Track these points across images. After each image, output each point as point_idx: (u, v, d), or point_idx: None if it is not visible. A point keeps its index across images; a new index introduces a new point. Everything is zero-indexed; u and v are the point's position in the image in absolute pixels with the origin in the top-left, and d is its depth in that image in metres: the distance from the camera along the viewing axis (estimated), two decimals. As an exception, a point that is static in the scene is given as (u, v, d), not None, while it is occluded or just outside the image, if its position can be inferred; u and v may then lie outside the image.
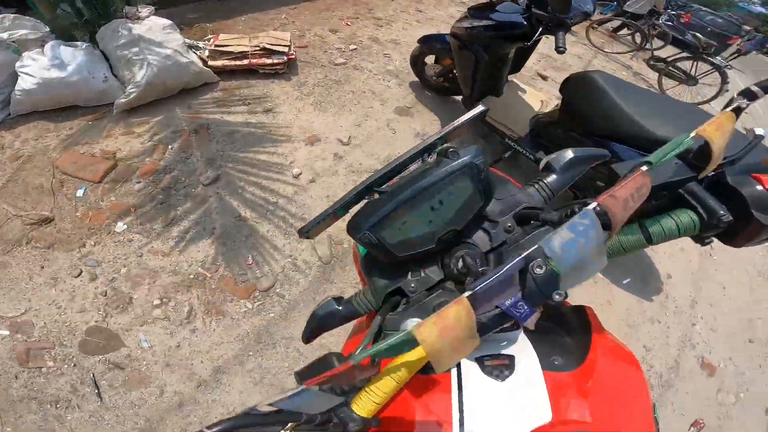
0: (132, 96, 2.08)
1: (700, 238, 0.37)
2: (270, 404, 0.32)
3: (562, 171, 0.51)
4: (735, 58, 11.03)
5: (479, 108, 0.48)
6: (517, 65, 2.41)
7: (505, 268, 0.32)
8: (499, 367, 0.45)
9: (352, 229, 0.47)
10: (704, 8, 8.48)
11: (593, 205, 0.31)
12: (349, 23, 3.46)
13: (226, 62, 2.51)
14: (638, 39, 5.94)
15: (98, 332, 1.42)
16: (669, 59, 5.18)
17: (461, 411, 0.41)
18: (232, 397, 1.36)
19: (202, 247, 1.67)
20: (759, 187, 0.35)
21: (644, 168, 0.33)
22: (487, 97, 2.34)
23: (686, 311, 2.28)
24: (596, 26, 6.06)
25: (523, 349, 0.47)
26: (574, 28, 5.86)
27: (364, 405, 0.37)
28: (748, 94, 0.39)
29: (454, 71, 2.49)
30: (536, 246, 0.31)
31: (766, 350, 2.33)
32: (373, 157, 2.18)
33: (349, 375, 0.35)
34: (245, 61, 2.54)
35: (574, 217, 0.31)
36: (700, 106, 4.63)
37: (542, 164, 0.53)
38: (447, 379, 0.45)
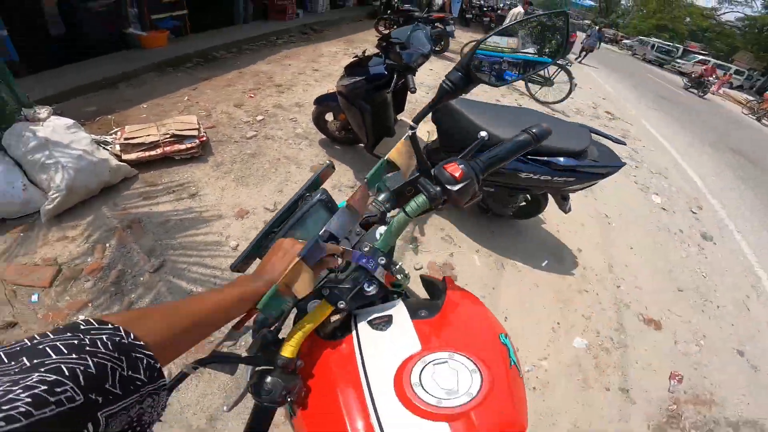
0: (56, 202, 2.14)
1: (436, 208, 0.65)
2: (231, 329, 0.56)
3: (389, 191, 0.75)
4: (586, 56, 13.27)
5: (324, 165, 0.74)
6: (400, 106, 2.89)
7: (311, 239, 0.58)
8: (381, 322, 0.63)
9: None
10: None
11: (345, 204, 0.66)
12: (252, 95, 3.81)
13: (140, 154, 2.65)
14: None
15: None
16: (526, 67, 6.35)
17: (362, 355, 0.58)
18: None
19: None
20: (446, 174, 0.63)
21: (364, 182, 0.69)
22: (383, 139, 2.75)
23: (607, 276, 2.58)
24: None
25: (399, 310, 0.65)
26: (452, 55, 6.97)
27: (287, 349, 0.57)
28: (411, 127, 0.75)
29: None
30: (323, 229, 0.64)
31: (698, 295, 2.66)
32: (299, 216, 2.52)
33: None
34: (159, 150, 2.71)
35: (333, 216, 0.66)
36: (552, 104, 5.63)
37: (376, 187, 0.75)
38: (350, 339, 0.62)
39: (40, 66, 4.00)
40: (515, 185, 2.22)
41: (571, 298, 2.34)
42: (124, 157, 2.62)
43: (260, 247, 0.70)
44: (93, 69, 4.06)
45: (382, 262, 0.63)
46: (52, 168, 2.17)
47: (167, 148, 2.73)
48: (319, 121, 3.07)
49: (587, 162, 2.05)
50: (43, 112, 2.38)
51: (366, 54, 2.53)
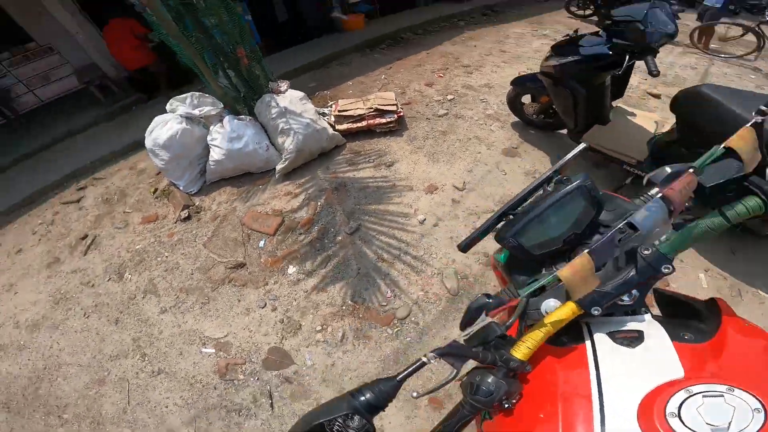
0: (287, 162, 2.61)
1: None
2: (464, 336, 0.53)
3: (663, 184, 0.60)
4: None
5: (581, 146, 0.63)
6: (619, 90, 2.43)
7: (609, 233, 0.54)
8: (629, 338, 0.53)
9: (500, 238, 0.63)
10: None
11: (660, 195, 0.53)
12: (440, 75, 3.82)
13: (350, 125, 2.99)
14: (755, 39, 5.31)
15: (276, 351, 1.75)
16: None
17: (597, 370, 0.50)
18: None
19: (351, 284, 2.00)
20: None
21: (690, 171, 0.53)
22: (594, 126, 2.40)
23: None
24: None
25: (651, 327, 0.54)
26: (678, 38, 5.43)
27: (520, 350, 0.52)
28: (760, 112, 0.57)
29: (554, 107, 2.61)
30: (625, 219, 0.54)
31: None
32: (489, 199, 2.37)
33: (510, 311, 0.57)
34: (363, 123, 2.99)
35: (649, 201, 0.53)
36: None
37: (645, 180, 0.63)
38: (582, 349, 0.54)
39: (272, 48, 4.98)
40: None
41: None
42: (337, 127, 3.00)
43: (491, 229, 0.66)
44: (311, 50, 4.83)
45: (667, 271, 0.51)
46: (287, 133, 2.60)
47: (371, 121, 2.98)
48: (514, 102, 2.86)
49: None
50: (284, 85, 2.85)
51: (578, 33, 2.18)
